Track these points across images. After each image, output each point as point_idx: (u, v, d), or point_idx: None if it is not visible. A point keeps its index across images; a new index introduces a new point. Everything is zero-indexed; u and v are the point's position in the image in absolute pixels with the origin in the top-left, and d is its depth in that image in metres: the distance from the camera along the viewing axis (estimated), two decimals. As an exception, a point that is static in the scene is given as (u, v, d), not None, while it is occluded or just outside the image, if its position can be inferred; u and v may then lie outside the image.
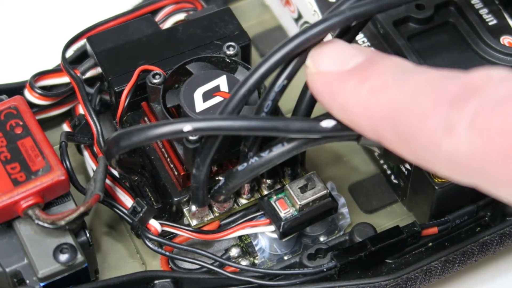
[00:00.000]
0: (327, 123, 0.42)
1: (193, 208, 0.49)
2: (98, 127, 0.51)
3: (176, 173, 0.49)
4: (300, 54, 0.43)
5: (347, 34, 0.46)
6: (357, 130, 0.39)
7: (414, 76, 0.36)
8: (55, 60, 0.56)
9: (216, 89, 0.48)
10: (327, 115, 0.44)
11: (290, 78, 0.44)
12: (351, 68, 0.38)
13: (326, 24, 0.43)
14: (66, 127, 0.55)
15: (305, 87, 0.46)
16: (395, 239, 0.49)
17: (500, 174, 0.33)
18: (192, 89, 0.48)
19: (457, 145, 0.33)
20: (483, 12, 0.55)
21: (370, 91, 0.37)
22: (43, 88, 0.54)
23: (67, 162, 0.50)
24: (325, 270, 0.49)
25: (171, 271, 0.50)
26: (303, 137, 0.43)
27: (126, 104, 0.51)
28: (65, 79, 0.54)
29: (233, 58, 0.50)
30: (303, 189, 0.49)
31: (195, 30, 0.54)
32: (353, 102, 0.38)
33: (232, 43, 0.51)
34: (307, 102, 0.46)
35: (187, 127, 0.42)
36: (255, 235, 0.51)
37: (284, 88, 0.44)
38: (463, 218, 0.51)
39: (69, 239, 0.46)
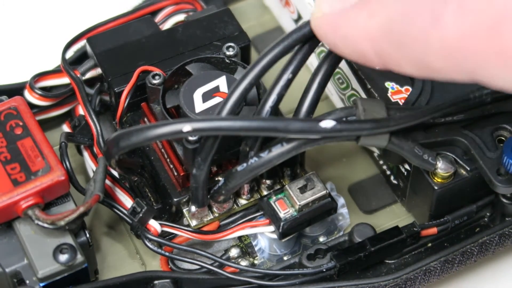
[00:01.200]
0: (327, 123, 0.42)
1: (193, 208, 0.49)
2: (98, 128, 0.51)
3: (175, 173, 0.49)
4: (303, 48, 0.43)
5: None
6: (361, 59, 0.40)
7: None
8: (55, 61, 0.56)
9: (216, 89, 0.49)
10: (327, 116, 0.44)
11: (295, 72, 0.45)
12: (352, 4, 0.40)
13: None
14: (66, 128, 0.55)
15: (308, 88, 0.46)
16: (395, 239, 0.50)
17: (490, 52, 0.34)
18: (191, 89, 0.48)
19: (445, 32, 0.35)
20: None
21: (368, 15, 0.38)
22: (43, 88, 0.54)
23: (67, 163, 0.50)
24: (324, 270, 0.49)
25: (171, 272, 0.50)
26: (302, 137, 0.43)
27: (126, 104, 0.51)
28: (65, 79, 0.54)
29: (233, 59, 0.51)
30: (303, 189, 0.49)
31: (195, 31, 0.54)
32: (355, 29, 0.39)
33: (232, 44, 0.51)
34: (309, 103, 0.46)
35: (186, 127, 0.42)
36: (255, 236, 0.51)
37: (289, 82, 0.45)
38: (463, 218, 0.51)
39: (69, 240, 0.47)
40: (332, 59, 0.46)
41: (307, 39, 0.44)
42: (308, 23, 0.43)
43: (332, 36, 0.40)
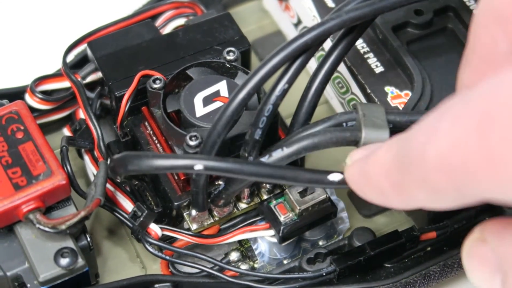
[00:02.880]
0: (334, 177, 0.42)
1: (193, 212, 0.49)
2: (99, 132, 0.51)
3: (176, 177, 0.50)
4: (299, 58, 0.43)
5: (347, 37, 0.46)
6: (381, 197, 0.39)
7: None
8: (56, 65, 0.56)
9: (216, 94, 0.49)
10: (327, 121, 0.44)
11: (291, 82, 0.44)
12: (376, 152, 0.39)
13: (324, 27, 0.44)
14: (66, 132, 0.55)
15: (306, 92, 0.47)
16: (394, 243, 0.50)
17: (481, 160, 0.32)
18: (192, 94, 0.49)
19: (439, 144, 0.34)
20: (482, 17, 0.55)
21: (386, 150, 0.38)
22: (44, 92, 0.54)
23: (68, 167, 0.50)
24: (324, 274, 0.49)
25: (171, 275, 0.51)
26: (301, 144, 0.43)
27: (126, 108, 0.51)
28: (65, 83, 0.54)
29: (233, 63, 0.51)
30: (303, 193, 0.49)
31: (195, 35, 0.54)
32: (374, 166, 0.39)
33: (232, 48, 0.51)
34: (307, 107, 0.47)
35: (198, 166, 0.41)
36: (255, 240, 0.51)
37: (285, 92, 0.45)
38: (462, 222, 0.51)
39: (69, 243, 0.47)
40: (331, 63, 0.46)
41: (309, 47, 0.44)
42: (309, 30, 0.43)
43: (358, 179, 0.40)
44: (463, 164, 0.33)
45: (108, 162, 0.49)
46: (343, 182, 0.42)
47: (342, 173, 0.42)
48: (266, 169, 0.42)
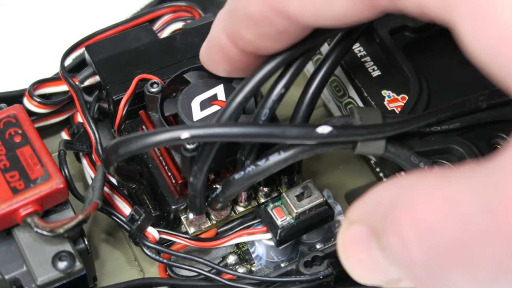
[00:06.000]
0: (323, 129, 0.42)
1: (191, 216, 0.49)
2: (97, 135, 0.51)
3: (173, 181, 0.50)
4: (296, 61, 0.44)
5: (344, 41, 0.46)
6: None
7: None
8: (53, 69, 0.56)
9: (214, 98, 0.49)
10: (323, 122, 0.44)
11: (287, 86, 0.45)
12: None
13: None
14: (64, 135, 0.55)
15: (303, 96, 0.47)
16: (391, 246, 0.50)
17: None
18: (189, 98, 0.49)
19: None
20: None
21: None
22: (42, 96, 0.54)
23: (66, 170, 0.50)
24: (321, 277, 0.49)
25: (169, 278, 0.51)
26: (299, 143, 0.43)
27: (124, 112, 0.52)
28: (63, 87, 0.54)
29: (231, 67, 0.51)
30: (300, 197, 0.49)
31: (193, 39, 0.54)
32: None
33: (230, 52, 0.51)
34: (304, 110, 0.47)
35: (184, 134, 0.42)
36: (252, 243, 0.51)
37: (281, 96, 0.45)
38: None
39: (67, 247, 0.47)
40: (328, 66, 0.46)
41: (306, 51, 0.44)
42: None
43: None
44: None
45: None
46: (333, 135, 0.42)
47: (331, 125, 0.42)
48: (253, 128, 0.42)
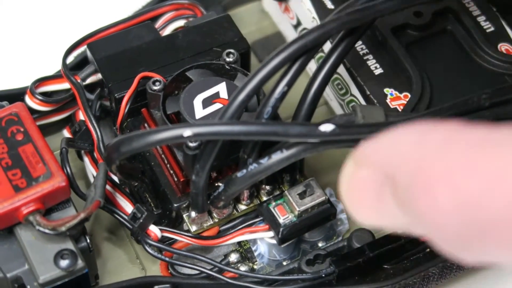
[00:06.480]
0: (326, 127, 0.42)
1: (193, 214, 0.49)
2: (99, 133, 0.51)
3: (176, 179, 0.50)
4: (299, 60, 0.43)
5: (346, 39, 0.46)
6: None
7: None
8: (55, 66, 0.56)
9: (216, 96, 0.49)
10: (326, 120, 0.44)
11: (290, 84, 0.45)
12: None
13: (324, 30, 0.44)
14: (66, 133, 0.55)
15: (305, 94, 0.47)
16: (393, 245, 0.50)
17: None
18: (191, 96, 0.49)
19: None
20: (481, 19, 0.55)
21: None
22: (43, 94, 0.54)
23: (68, 168, 0.50)
24: (323, 275, 0.49)
25: (171, 277, 0.51)
26: (302, 141, 0.43)
27: (126, 110, 0.52)
28: (65, 85, 0.54)
29: (233, 65, 0.51)
30: (302, 195, 0.49)
31: (195, 37, 0.54)
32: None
33: (232, 50, 0.51)
34: (307, 108, 0.47)
35: (187, 132, 0.42)
36: (254, 241, 0.51)
37: (284, 94, 0.45)
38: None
39: (69, 245, 0.47)
40: (330, 65, 0.46)
41: (308, 49, 0.44)
42: (309, 32, 0.43)
43: None
44: None
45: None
46: (336, 133, 0.41)
47: (334, 123, 0.42)
48: (256, 126, 0.42)
